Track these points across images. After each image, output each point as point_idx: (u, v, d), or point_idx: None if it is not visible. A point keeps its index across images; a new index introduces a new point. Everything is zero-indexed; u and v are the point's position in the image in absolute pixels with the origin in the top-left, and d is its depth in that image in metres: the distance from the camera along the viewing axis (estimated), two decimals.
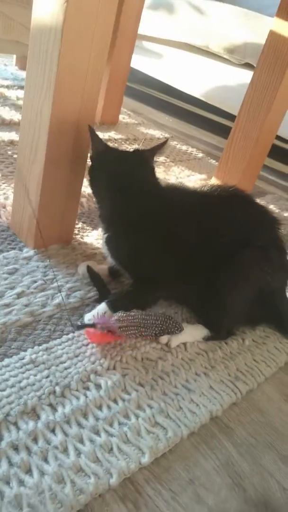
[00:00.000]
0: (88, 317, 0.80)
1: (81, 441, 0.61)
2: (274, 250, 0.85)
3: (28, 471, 0.56)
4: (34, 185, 0.89)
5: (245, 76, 1.98)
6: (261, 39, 1.86)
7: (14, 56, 2.23)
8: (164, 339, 0.82)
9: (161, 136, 1.92)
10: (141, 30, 1.83)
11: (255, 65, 1.86)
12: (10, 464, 0.56)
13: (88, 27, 0.78)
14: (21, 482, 0.54)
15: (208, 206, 0.86)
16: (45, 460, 0.57)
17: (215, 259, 0.82)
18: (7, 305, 0.79)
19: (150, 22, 2.24)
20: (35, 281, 0.86)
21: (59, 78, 0.79)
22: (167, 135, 1.96)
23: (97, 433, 0.63)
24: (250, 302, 0.86)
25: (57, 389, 0.67)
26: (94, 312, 0.80)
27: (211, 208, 0.86)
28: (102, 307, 0.81)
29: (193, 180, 1.57)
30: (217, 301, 0.84)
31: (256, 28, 2.00)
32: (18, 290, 0.82)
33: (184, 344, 0.83)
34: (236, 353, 0.85)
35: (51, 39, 0.77)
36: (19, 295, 0.82)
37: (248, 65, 2.03)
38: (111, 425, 0.64)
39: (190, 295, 0.89)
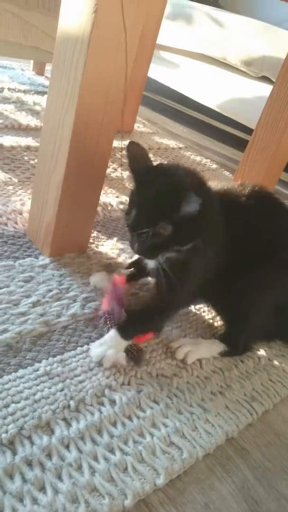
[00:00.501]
0: (95, 349, 0.75)
1: (96, 458, 0.60)
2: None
3: (42, 489, 0.55)
4: (53, 194, 0.88)
5: (262, 89, 1.99)
6: (279, 53, 1.87)
7: (32, 61, 2.24)
8: (180, 354, 0.80)
9: (175, 146, 1.91)
10: (159, 40, 1.83)
11: (272, 79, 1.87)
12: (24, 480, 0.55)
13: (115, 37, 0.77)
14: (34, 500, 0.53)
15: (244, 215, 0.82)
16: (59, 477, 0.56)
17: (244, 268, 0.80)
18: (23, 314, 0.78)
19: (168, 32, 2.24)
20: (50, 290, 0.85)
21: (83, 88, 0.78)
22: (181, 145, 1.95)
23: (112, 451, 0.61)
24: (269, 317, 0.84)
25: (72, 403, 0.66)
26: (102, 340, 0.75)
27: (247, 217, 0.82)
28: (111, 334, 0.76)
29: None
30: (239, 314, 0.83)
31: (274, 42, 2.00)
32: (33, 298, 0.81)
33: (200, 361, 0.82)
34: (252, 372, 0.83)
35: (77, 49, 0.77)
36: (35, 304, 0.81)
37: (265, 78, 2.03)
38: (125, 443, 0.63)
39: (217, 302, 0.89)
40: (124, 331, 0.75)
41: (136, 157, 0.75)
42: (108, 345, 0.74)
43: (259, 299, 0.81)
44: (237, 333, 0.85)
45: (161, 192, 0.69)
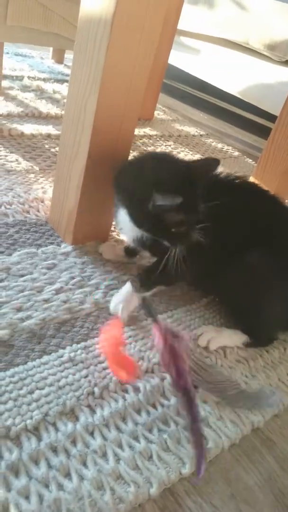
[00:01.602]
0: (112, 302, 0.80)
1: (120, 446, 0.59)
2: None
3: (67, 475, 0.54)
4: (75, 181, 0.87)
5: (286, 74, 1.93)
6: None
7: (51, 49, 2.22)
8: (203, 341, 0.79)
9: (196, 133, 1.88)
10: (179, 25, 1.79)
11: None
12: (49, 466, 0.55)
13: (139, 17, 0.75)
14: (60, 486, 0.53)
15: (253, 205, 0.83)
16: (84, 464, 0.56)
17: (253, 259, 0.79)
18: (46, 301, 0.78)
19: (189, 17, 2.19)
20: (73, 277, 0.85)
21: (106, 71, 0.76)
22: (202, 132, 1.92)
23: (136, 439, 0.61)
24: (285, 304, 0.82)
25: (96, 390, 0.65)
26: (119, 295, 0.81)
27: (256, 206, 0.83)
28: (127, 287, 0.81)
29: None
30: (255, 307, 0.81)
31: None
32: (57, 285, 0.81)
33: (224, 350, 0.80)
34: (277, 362, 0.82)
35: (99, 31, 0.75)
36: (58, 291, 0.80)
37: None
38: (150, 431, 0.62)
39: (227, 296, 0.87)
40: (141, 283, 0.80)
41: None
42: (125, 298, 0.79)
43: (273, 289, 0.79)
44: (257, 325, 0.83)
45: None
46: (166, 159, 0.80)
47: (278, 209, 0.86)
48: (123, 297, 0.80)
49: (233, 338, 0.82)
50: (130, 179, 0.77)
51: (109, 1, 0.71)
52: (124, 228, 0.82)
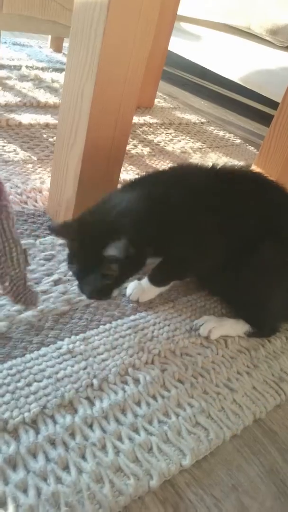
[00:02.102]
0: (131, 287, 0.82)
1: (120, 438, 0.58)
2: None
3: (66, 468, 0.54)
4: (73, 170, 0.86)
5: None
6: None
7: (49, 38, 2.19)
8: (204, 331, 0.79)
9: (197, 121, 1.85)
10: (179, 11, 1.76)
11: None
12: (47, 459, 0.54)
13: (134, 3, 0.73)
14: (58, 479, 0.52)
15: (250, 195, 0.80)
16: (83, 457, 0.55)
17: (252, 250, 0.76)
18: (44, 292, 0.76)
19: (189, 2, 2.15)
20: None
21: (103, 57, 0.75)
22: (203, 120, 1.89)
23: (136, 431, 0.60)
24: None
25: (95, 381, 0.64)
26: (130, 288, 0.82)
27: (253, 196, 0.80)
28: (135, 283, 0.82)
29: None
30: (256, 297, 0.79)
31: None
32: (55, 277, 0.80)
33: (225, 340, 0.79)
34: (279, 352, 0.81)
35: (95, 16, 0.73)
36: (56, 282, 0.79)
37: None
38: (150, 423, 0.62)
39: (227, 288, 0.85)
40: (157, 283, 0.80)
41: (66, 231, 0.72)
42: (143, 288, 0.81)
43: (275, 279, 0.78)
44: (259, 315, 0.82)
45: (97, 240, 0.68)
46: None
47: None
48: (141, 286, 0.82)
49: (235, 328, 0.81)
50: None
51: None
52: None
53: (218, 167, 0.81)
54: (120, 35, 0.75)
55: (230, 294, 0.85)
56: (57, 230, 0.72)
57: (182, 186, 0.77)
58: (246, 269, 0.76)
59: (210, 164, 0.83)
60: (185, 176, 0.81)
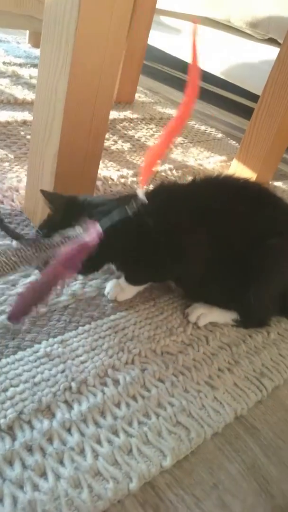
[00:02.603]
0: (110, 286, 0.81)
1: (99, 442, 0.57)
2: None
3: (43, 475, 0.53)
4: (49, 167, 0.84)
5: (269, 53, 1.89)
6: (286, 13, 1.77)
7: (27, 33, 2.15)
8: (193, 317, 0.79)
9: None
10: (158, 4, 1.74)
11: (279, 40, 1.77)
12: (24, 466, 0.53)
13: None
14: (35, 487, 0.51)
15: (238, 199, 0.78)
16: (61, 462, 0.54)
17: (242, 253, 0.75)
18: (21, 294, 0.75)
19: None
20: None
21: (76, 51, 0.73)
22: None
23: (116, 433, 0.59)
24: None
25: (73, 385, 0.63)
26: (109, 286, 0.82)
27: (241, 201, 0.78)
28: (113, 282, 0.81)
29: (212, 162, 1.50)
30: (251, 292, 0.78)
31: (281, 1, 1.89)
32: (32, 278, 0.78)
33: (206, 337, 0.79)
34: (261, 347, 0.80)
35: (67, 8, 0.71)
36: None
37: (272, 41, 1.92)
38: (130, 424, 0.61)
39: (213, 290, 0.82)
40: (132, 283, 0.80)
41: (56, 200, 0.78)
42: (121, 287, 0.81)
43: (271, 275, 0.78)
44: (250, 305, 0.81)
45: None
46: None
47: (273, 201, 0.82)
48: (119, 285, 0.81)
49: (224, 315, 0.81)
50: None
51: None
52: None
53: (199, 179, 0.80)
54: (93, 27, 0.73)
55: (218, 297, 0.82)
56: (50, 197, 0.77)
57: (167, 192, 0.78)
58: (250, 266, 0.75)
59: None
60: (173, 187, 0.82)
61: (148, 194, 0.75)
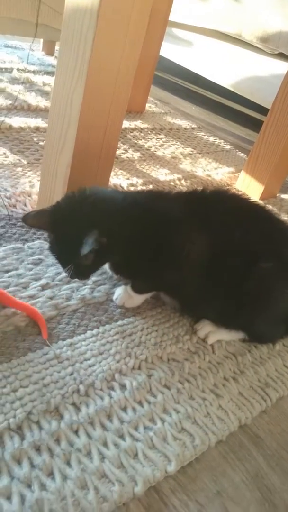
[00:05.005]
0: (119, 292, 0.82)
1: (105, 444, 0.58)
2: None
3: (50, 474, 0.54)
4: (62, 175, 0.86)
5: (279, 67, 1.91)
6: None
7: (41, 41, 2.19)
8: (202, 333, 0.80)
9: (188, 126, 1.87)
10: (171, 17, 1.77)
11: None
12: (32, 465, 0.54)
13: (125, 9, 0.74)
14: (43, 486, 0.52)
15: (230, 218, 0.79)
16: (68, 463, 0.55)
17: (235, 275, 0.75)
18: (32, 297, 0.76)
19: (181, 8, 2.17)
20: (59, 273, 0.83)
21: (92, 63, 0.75)
22: (194, 126, 1.90)
23: (122, 436, 0.60)
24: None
25: (81, 387, 0.64)
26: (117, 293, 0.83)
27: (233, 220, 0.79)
28: (122, 288, 0.82)
29: (220, 173, 1.52)
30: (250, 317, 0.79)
31: None
32: (42, 281, 0.80)
33: (212, 346, 0.80)
34: (266, 358, 0.81)
35: (85, 21, 0.74)
36: (44, 287, 0.79)
37: (282, 55, 1.95)
38: (136, 428, 0.62)
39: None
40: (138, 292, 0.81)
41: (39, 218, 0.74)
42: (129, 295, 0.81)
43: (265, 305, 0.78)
44: (252, 328, 0.82)
45: (71, 233, 0.69)
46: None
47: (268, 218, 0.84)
48: (127, 292, 0.81)
49: (232, 334, 0.82)
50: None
51: None
52: None
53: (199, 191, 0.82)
54: (109, 42, 0.75)
55: (222, 316, 0.81)
56: (29, 220, 0.72)
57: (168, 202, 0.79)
58: (247, 291, 0.75)
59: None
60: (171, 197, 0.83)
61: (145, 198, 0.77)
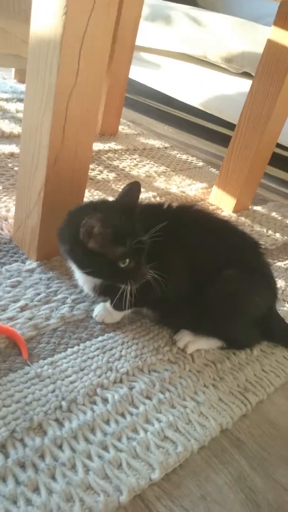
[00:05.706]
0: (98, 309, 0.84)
1: (89, 457, 0.59)
2: (259, 273, 0.83)
3: (36, 490, 0.54)
4: (36, 198, 0.88)
5: (243, 85, 1.99)
6: (258, 48, 1.88)
7: (13, 69, 2.24)
8: (181, 343, 0.82)
9: (161, 146, 1.92)
10: (139, 42, 1.84)
11: (253, 74, 1.88)
12: (17, 482, 0.54)
13: (88, 39, 0.78)
14: (28, 502, 0.53)
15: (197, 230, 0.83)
16: (53, 477, 0.56)
17: (202, 283, 0.78)
18: (11, 319, 0.78)
19: (147, 33, 2.25)
20: (38, 294, 0.85)
21: (59, 90, 0.78)
22: (166, 145, 1.96)
23: (106, 448, 0.61)
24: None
25: (64, 403, 0.65)
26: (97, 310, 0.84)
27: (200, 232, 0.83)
28: (101, 305, 0.84)
29: (194, 189, 1.57)
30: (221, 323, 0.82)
31: (253, 38, 2.01)
32: (21, 303, 0.81)
33: (191, 355, 0.82)
34: (244, 363, 0.83)
35: (50, 51, 0.77)
36: (23, 308, 0.81)
37: (246, 74, 2.04)
38: (119, 440, 0.63)
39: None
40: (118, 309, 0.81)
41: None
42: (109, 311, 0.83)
43: (233, 313, 0.81)
44: (235, 337, 0.85)
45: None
46: (96, 203, 0.83)
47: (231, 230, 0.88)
48: (106, 309, 0.83)
49: (210, 343, 0.84)
50: (66, 228, 0.77)
51: (57, 22, 0.74)
52: (80, 280, 0.82)
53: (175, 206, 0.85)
54: (74, 69, 0.79)
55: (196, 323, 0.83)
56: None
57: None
58: (213, 298, 0.78)
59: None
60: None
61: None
